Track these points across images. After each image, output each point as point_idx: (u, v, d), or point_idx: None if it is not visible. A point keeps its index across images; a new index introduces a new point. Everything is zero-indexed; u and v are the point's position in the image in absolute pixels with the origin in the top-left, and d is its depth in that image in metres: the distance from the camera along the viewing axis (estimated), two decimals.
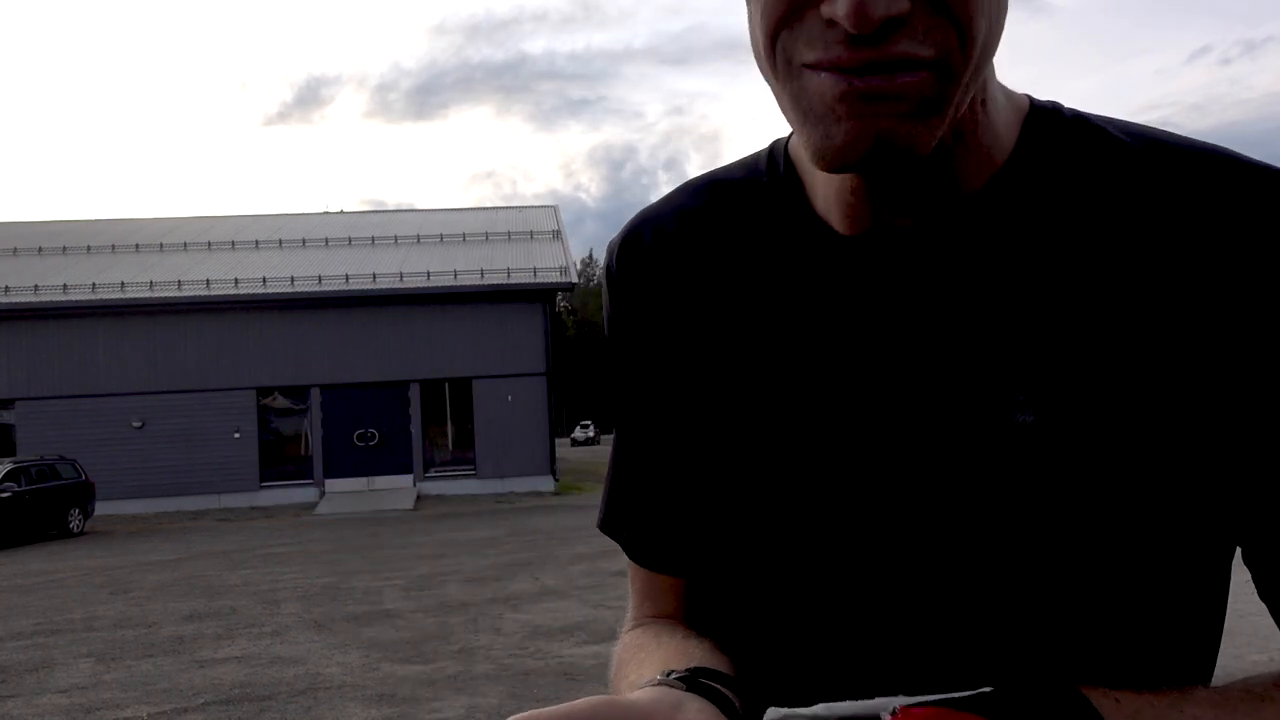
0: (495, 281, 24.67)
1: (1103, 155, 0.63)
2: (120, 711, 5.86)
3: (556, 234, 29.22)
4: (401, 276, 25.10)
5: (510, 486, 24.19)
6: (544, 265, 25.62)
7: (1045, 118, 0.65)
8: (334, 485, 24.35)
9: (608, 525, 0.81)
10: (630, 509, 0.78)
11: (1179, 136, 0.64)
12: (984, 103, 0.62)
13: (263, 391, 24.60)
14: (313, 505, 23.15)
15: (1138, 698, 0.55)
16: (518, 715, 0.47)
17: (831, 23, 0.53)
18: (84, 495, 20.00)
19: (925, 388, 0.62)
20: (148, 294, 24.21)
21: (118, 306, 23.95)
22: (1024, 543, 0.59)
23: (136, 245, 28.29)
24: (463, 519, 18.36)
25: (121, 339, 23.96)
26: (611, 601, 8.52)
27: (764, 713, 0.56)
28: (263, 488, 24.28)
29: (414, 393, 24.74)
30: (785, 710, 0.54)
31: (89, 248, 27.96)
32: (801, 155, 0.69)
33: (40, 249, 27.63)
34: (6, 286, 24.09)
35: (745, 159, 0.76)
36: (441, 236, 28.94)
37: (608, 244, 0.80)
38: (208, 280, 24.71)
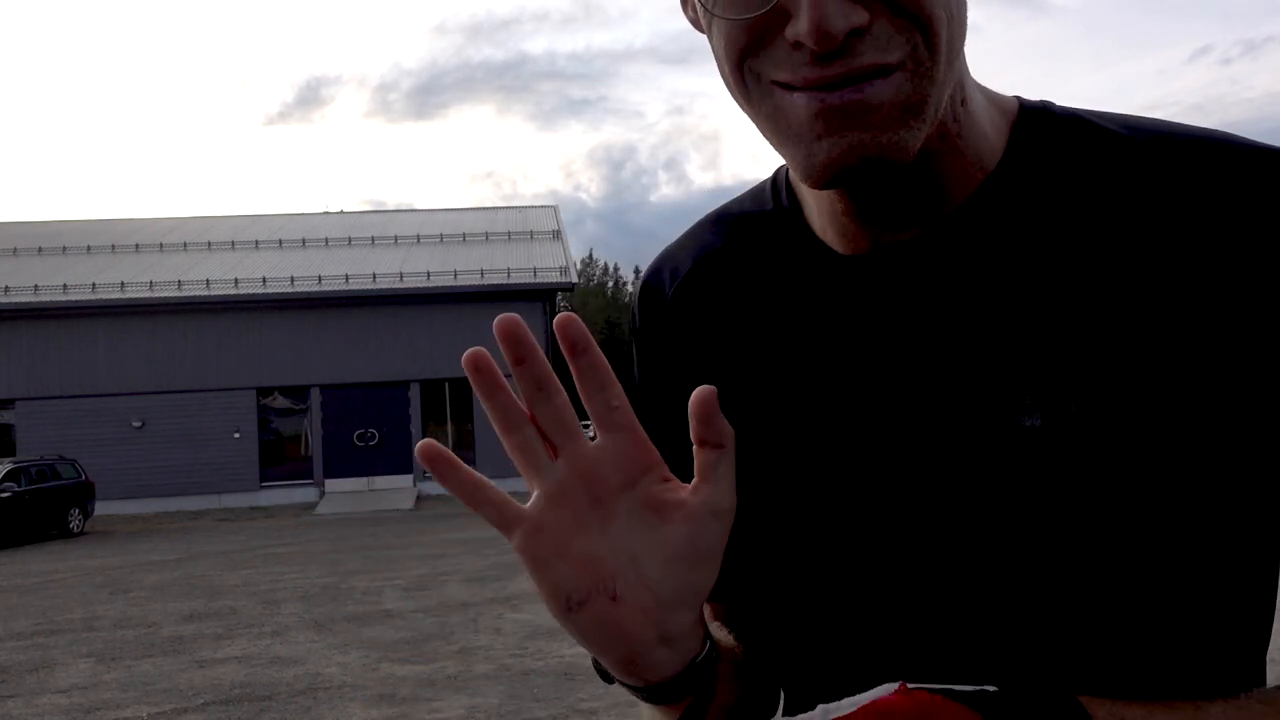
0: (495, 281, 24.67)
1: (1097, 151, 0.62)
2: (120, 711, 5.86)
3: (556, 234, 29.22)
4: (401, 276, 25.10)
5: (511, 486, 23.80)
6: (544, 265, 25.62)
7: (1036, 118, 0.65)
8: (334, 485, 24.34)
9: None
10: None
11: (1178, 126, 0.62)
12: (964, 102, 0.62)
13: (263, 391, 24.59)
14: (313, 505, 23.14)
15: (1145, 712, 0.54)
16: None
17: (798, 44, 0.53)
18: (84, 495, 20.00)
19: (931, 397, 0.62)
20: (148, 294, 24.20)
21: (118, 306, 23.94)
22: (1035, 545, 0.58)
23: (136, 245, 28.29)
24: (463, 519, 18.35)
25: (121, 339, 23.95)
26: None
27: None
28: (263, 488, 24.28)
29: (414, 393, 24.73)
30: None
31: (89, 248, 27.96)
32: (795, 177, 0.70)
33: (40, 249, 27.63)
34: (6, 286, 24.08)
35: (753, 189, 0.77)
36: (441, 236, 28.94)
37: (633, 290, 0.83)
38: (208, 280, 24.71)
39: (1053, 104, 0.66)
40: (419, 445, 0.56)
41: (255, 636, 7.94)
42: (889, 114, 0.54)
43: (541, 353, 0.58)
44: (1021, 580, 0.59)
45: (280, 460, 24.79)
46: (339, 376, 24.49)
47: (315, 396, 24.65)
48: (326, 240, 28.62)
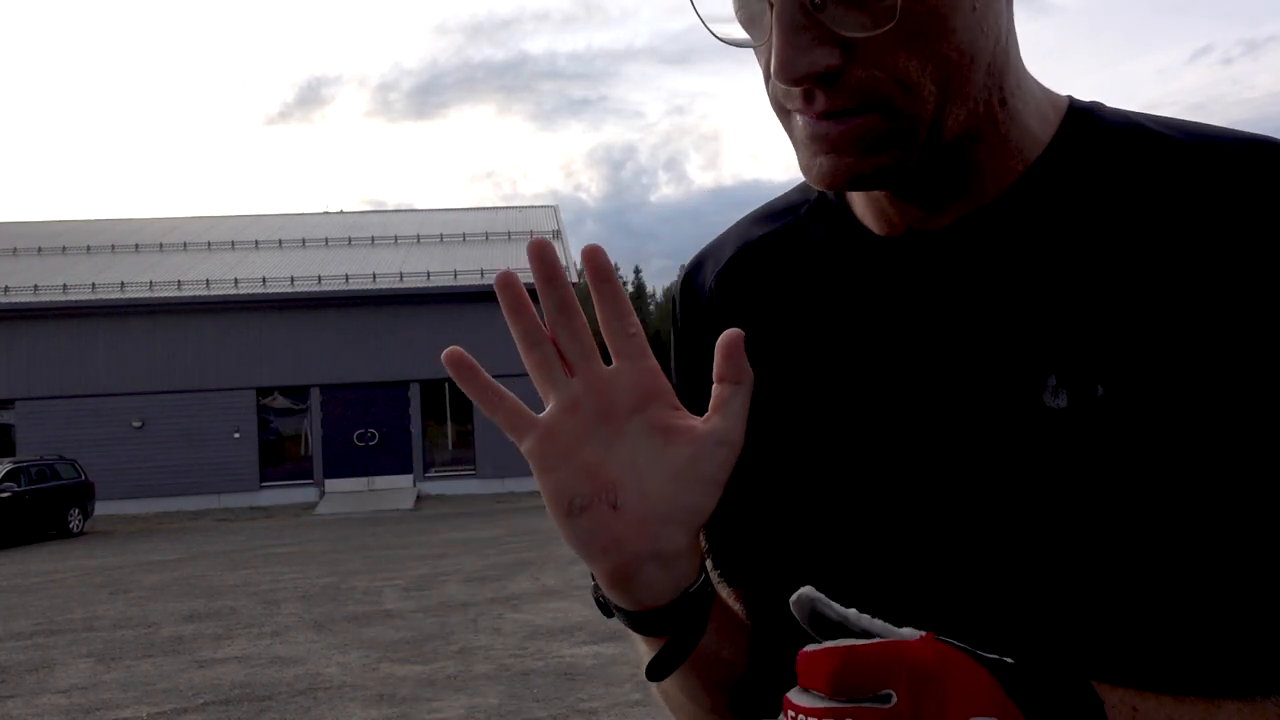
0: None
1: (1142, 150, 0.63)
2: (120, 711, 5.86)
3: (557, 234, 29.22)
4: (401, 276, 25.10)
5: (510, 486, 24.18)
6: None
7: (1082, 116, 0.67)
8: (334, 485, 24.34)
9: None
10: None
11: (1228, 130, 0.63)
12: (1003, 101, 0.64)
13: (263, 391, 24.59)
14: (313, 505, 23.15)
15: (1156, 704, 0.54)
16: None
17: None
18: (84, 495, 20.00)
19: (960, 377, 0.63)
20: (148, 294, 24.20)
21: (118, 306, 23.94)
22: (1055, 525, 0.59)
23: (136, 245, 28.29)
24: (463, 519, 18.35)
25: (121, 339, 23.95)
26: None
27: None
28: (263, 488, 24.28)
29: (414, 393, 24.74)
30: (818, 595, 0.54)
31: (89, 248, 27.96)
32: None
33: (40, 249, 27.64)
34: (6, 286, 24.09)
35: (802, 182, 0.80)
36: (441, 236, 28.94)
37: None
38: (208, 280, 24.71)
39: (1103, 104, 0.68)
40: (446, 351, 0.63)
41: (255, 636, 7.94)
42: (872, 144, 0.59)
43: (566, 276, 0.64)
44: (1041, 560, 0.59)
45: (280, 460, 24.79)
46: (339, 376, 24.49)
47: (315, 396, 24.65)
48: (326, 240, 28.62)
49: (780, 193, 0.83)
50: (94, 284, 24.35)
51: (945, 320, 0.65)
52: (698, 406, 0.76)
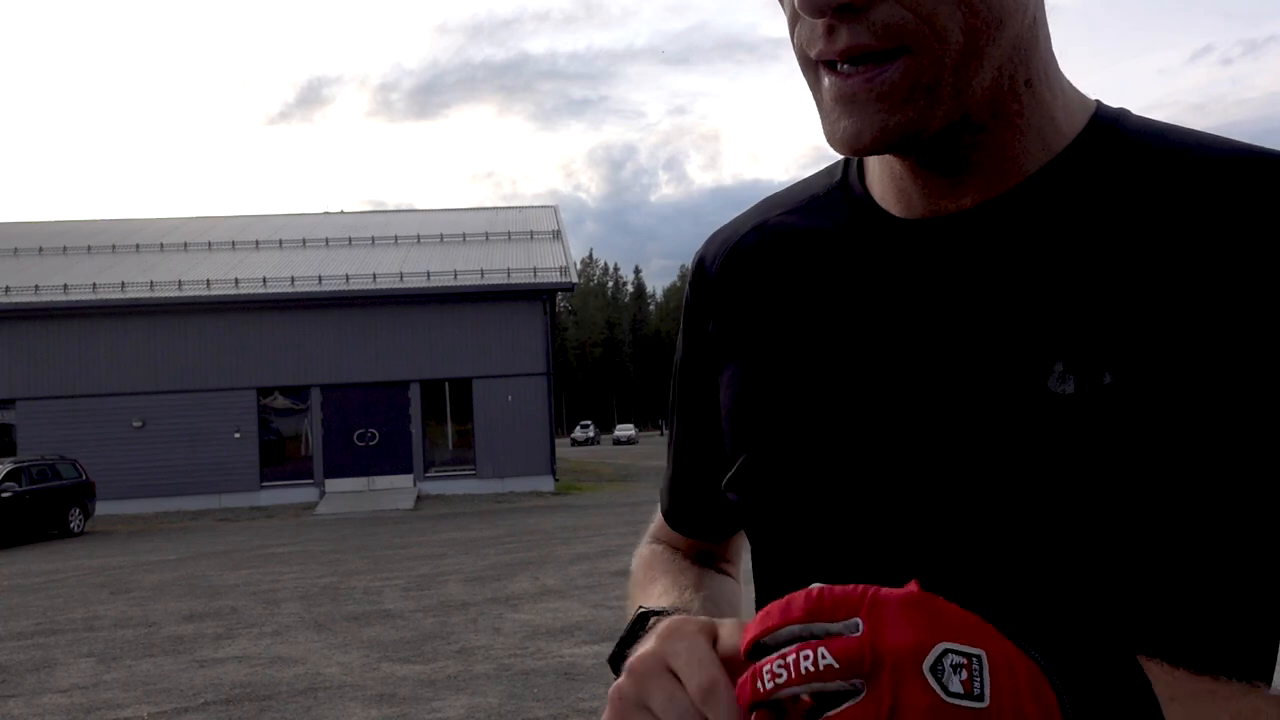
0: (495, 281, 24.68)
1: (1164, 156, 0.65)
2: (120, 711, 5.87)
3: (556, 234, 29.22)
4: (401, 276, 25.10)
5: (510, 486, 24.19)
6: (544, 265, 25.62)
7: (1110, 119, 0.68)
8: (334, 485, 24.34)
9: (666, 510, 0.94)
10: (677, 489, 0.91)
11: (1247, 144, 0.65)
12: (1028, 83, 0.64)
13: (263, 391, 24.59)
14: (313, 505, 23.15)
15: (1195, 678, 0.53)
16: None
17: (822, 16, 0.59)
18: (84, 495, 20.01)
19: (968, 358, 0.64)
20: (148, 294, 24.21)
21: (118, 306, 23.95)
22: (1057, 510, 0.60)
23: (136, 245, 28.29)
24: (463, 519, 18.35)
25: (121, 339, 23.96)
26: (611, 601, 8.52)
27: None
28: (263, 488, 24.28)
29: (414, 393, 24.74)
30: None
31: (89, 248, 27.96)
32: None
33: (40, 249, 27.64)
34: (6, 286, 24.09)
35: (829, 166, 0.81)
36: (441, 236, 28.94)
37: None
38: (208, 280, 24.71)
39: (1129, 111, 0.69)
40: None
41: (255, 636, 7.94)
42: (897, 97, 0.59)
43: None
44: (1040, 545, 0.60)
45: (280, 460, 24.78)
46: (339, 376, 24.49)
47: (315, 396, 24.65)
48: (326, 240, 28.62)
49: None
50: (94, 284, 24.36)
51: (957, 302, 0.66)
52: (698, 376, 0.83)
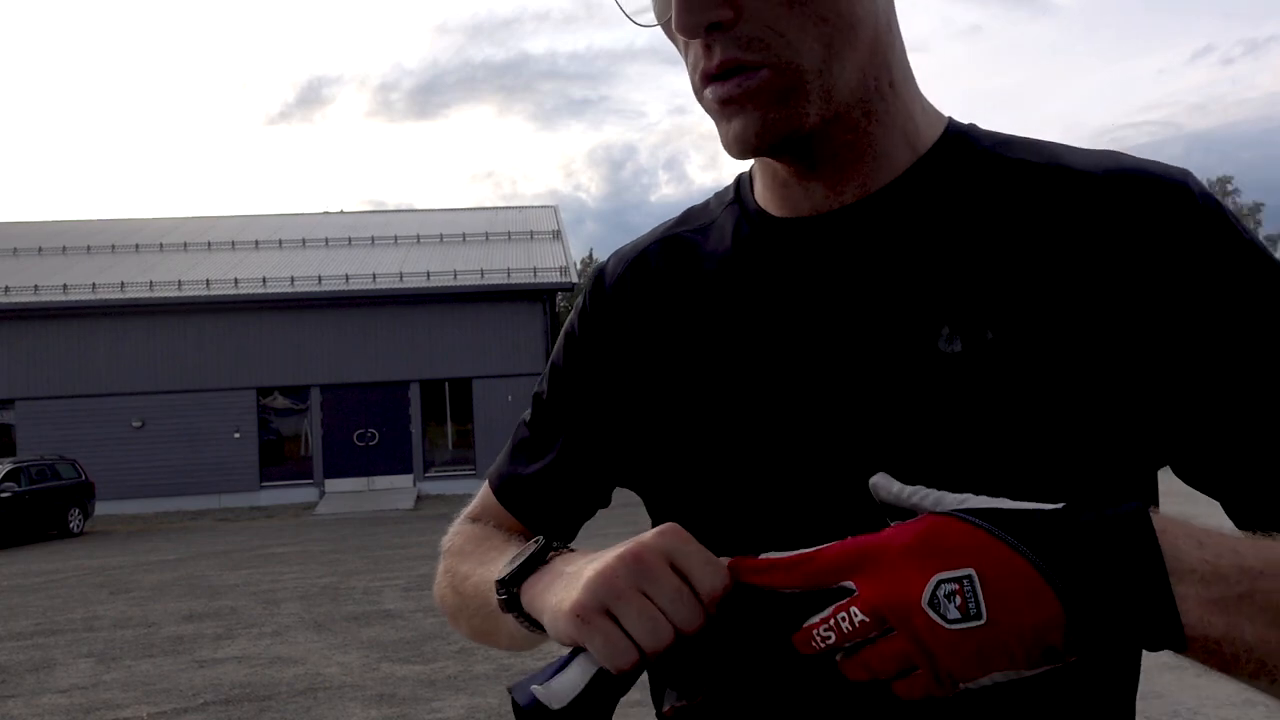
0: (495, 281, 24.67)
1: (1013, 157, 0.75)
2: (120, 711, 5.86)
3: (556, 234, 29.21)
4: (401, 276, 25.09)
5: None
6: (544, 265, 25.60)
7: (962, 128, 0.78)
8: (334, 485, 24.33)
9: (505, 490, 0.96)
10: (533, 478, 0.93)
11: (1066, 148, 0.76)
12: (891, 84, 0.74)
13: (263, 391, 24.59)
14: (313, 505, 23.14)
15: (1210, 534, 0.59)
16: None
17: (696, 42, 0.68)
18: (84, 495, 20.00)
19: (865, 332, 0.72)
20: (148, 294, 24.20)
21: (118, 306, 23.93)
22: (961, 445, 0.68)
23: (136, 245, 28.28)
24: None
25: (121, 339, 23.95)
26: None
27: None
28: (263, 488, 24.27)
29: (414, 393, 24.73)
30: (881, 479, 0.63)
31: (89, 248, 27.95)
32: (756, 169, 0.84)
33: (40, 249, 27.62)
34: (6, 286, 24.08)
35: (719, 191, 0.90)
36: (441, 236, 28.92)
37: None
38: (208, 280, 24.70)
39: (977, 125, 0.80)
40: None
41: (255, 636, 7.94)
42: (768, 98, 0.68)
43: None
44: (946, 477, 0.66)
45: (280, 460, 24.77)
46: (339, 376, 24.48)
47: (315, 396, 24.64)
48: (326, 240, 28.60)
49: None
50: (94, 284, 24.35)
51: (850, 286, 0.74)
52: (588, 389, 0.88)
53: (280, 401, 24.83)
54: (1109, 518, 0.55)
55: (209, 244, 28.57)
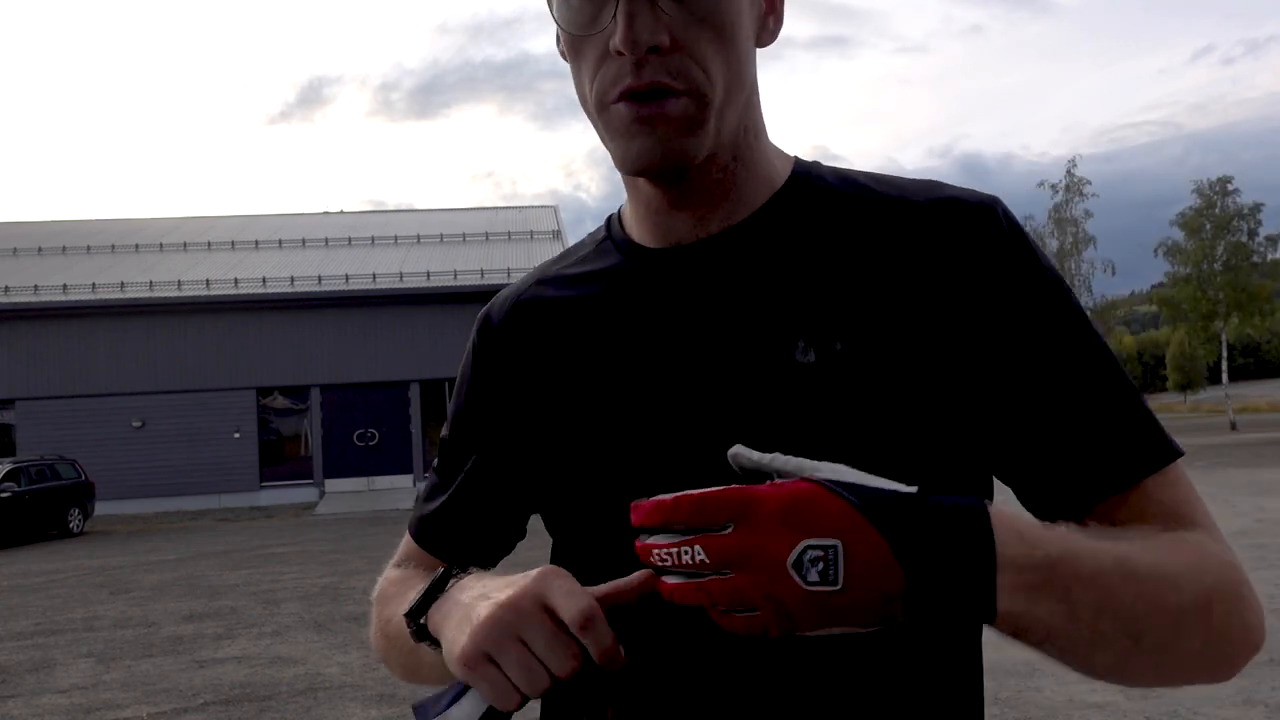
0: (495, 281, 24.63)
1: (853, 190, 0.86)
2: (120, 711, 5.86)
3: (556, 234, 29.21)
4: (401, 276, 25.09)
5: None
6: None
7: (806, 167, 0.89)
8: (334, 485, 24.33)
9: (423, 533, 1.01)
10: (445, 516, 0.99)
11: (900, 180, 0.86)
12: (756, 134, 0.85)
13: (263, 391, 24.58)
14: (313, 505, 23.14)
15: (1049, 530, 0.69)
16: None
17: (621, 55, 0.75)
18: (84, 495, 19.99)
19: (730, 347, 0.81)
20: (148, 294, 24.19)
21: (118, 306, 23.93)
22: (822, 445, 0.75)
23: (136, 245, 28.27)
24: None
25: (121, 339, 23.94)
26: None
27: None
28: (263, 488, 24.27)
29: (414, 393, 24.73)
30: (741, 449, 0.69)
31: (89, 248, 27.95)
32: (626, 210, 0.92)
33: (40, 249, 27.62)
34: (6, 286, 24.08)
35: (593, 231, 0.98)
36: (441, 236, 28.93)
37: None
38: (208, 280, 24.70)
39: (820, 162, 0.90)
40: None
41: (255, 636, 7.94)
42: (678, 126, 0.77)
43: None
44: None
45: (280, 460, 24.77)
46: (339, 376, 24.48)
47: (315, 396, 24.64)
48: (326, 240, 28.60)
49: None
50: (94, 284, 24.34)
51: (715, 306, 0.83)
52: (483, 428, 0.95)
53: (280, 401, 24.82)
54: (956, 508, 0.65)
55: (209, 244, 28.57)
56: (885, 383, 0.77)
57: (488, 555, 1.00)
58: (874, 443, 0.76)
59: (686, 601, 0.65)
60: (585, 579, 0.78)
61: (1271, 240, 32.38)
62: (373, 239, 28.61)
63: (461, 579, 0.80)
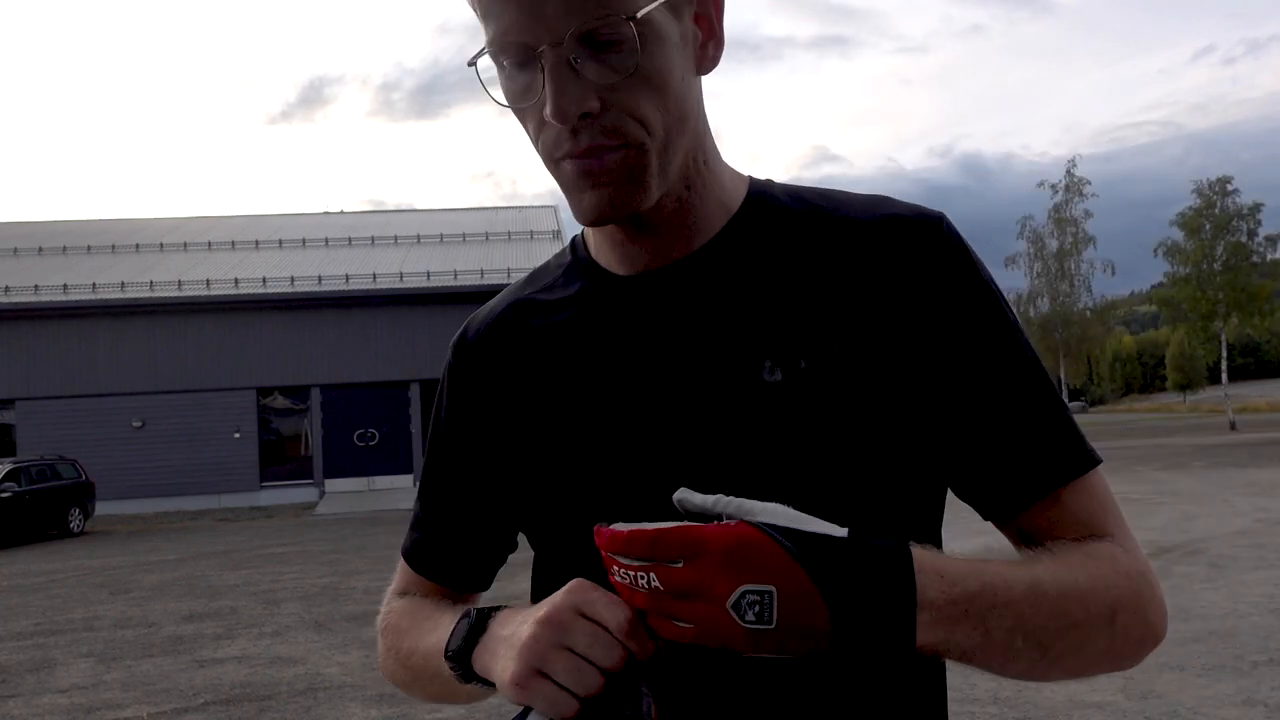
0: (495, 281, 24.62)
1: (808, 209, 0.89)
2: (120, 711, 5.86)
3: (556, 234, 29.20)
4: (401, 276, 25.09)
5: None
6: None
7: (761, 187, 0.91)
8: (334, 485, 24.33)
9: (416, 557, 1.07)
10: (435, 539, 1.04)
11: (861, 196, 0.90)
12: (705, 162, 0.87)
13: (263, 391, 24.58)
14: (313, 505, 23.13)
15: (967, 565, 0.74)
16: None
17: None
18: (84, 495, 19.99)
19: (699, 369, 0.84)
20: (148, 294, 24.19)
21: (118, 306, 23.93)
22: (786, 468, 0.80)
23: (136, 245, 28.27)
24: None
25: (121, 339, 23.94)
26: None
27: None
28: (263, 488, 24.27)
29: (414, 393, 24.73)
30: (685, 493, 0.74)
31: (89, 248, 27.94)
32: (590, 233, 0.95)
33: (40, 249, 27.62)
34: (6, 286, 24.08)
35: (559, 252, 1.01)
36: (441, 236, 28.93)
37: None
38: (208, 280, 24.70)
39: (773, 180, 0.93)
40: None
41: (255, 636, 7.94)
42: (619, 177, 0.79)
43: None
44: (776, 485, 0.78)
45: (280, 460, 24.77)
46: (339, 376, 24.48)
47: (315, 396, 24.64)
48: (326, 240, 28.60)
49: None
50: (94, 284, 24.35)
51: (682, 331, 0.86)
52: (461, 445, 0.98)
53: (280, 401, 24.82)
54: (881, 551, 0.70)
55: (209, 244, 28.56)
56: (847, 399, 0.81)
57: (483, 571, 1.05)
58: (839, 457, 0.80)
59: (634, 602, 0.71)
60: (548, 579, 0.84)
61: (1271, 240, 32.39)
62: (373, 239, 28.61)
63: (495, 615, 0.84)
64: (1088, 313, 38.74)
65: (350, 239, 28.65)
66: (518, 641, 0.74)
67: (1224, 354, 33.60)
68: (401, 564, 1.09)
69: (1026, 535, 0.84)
